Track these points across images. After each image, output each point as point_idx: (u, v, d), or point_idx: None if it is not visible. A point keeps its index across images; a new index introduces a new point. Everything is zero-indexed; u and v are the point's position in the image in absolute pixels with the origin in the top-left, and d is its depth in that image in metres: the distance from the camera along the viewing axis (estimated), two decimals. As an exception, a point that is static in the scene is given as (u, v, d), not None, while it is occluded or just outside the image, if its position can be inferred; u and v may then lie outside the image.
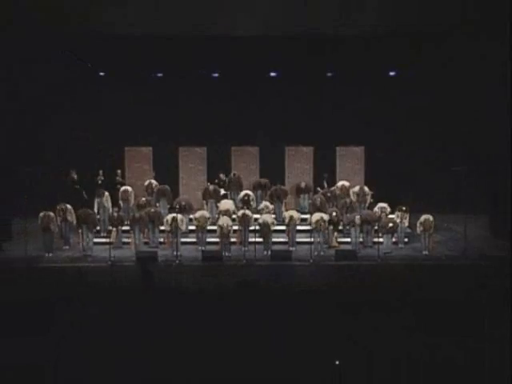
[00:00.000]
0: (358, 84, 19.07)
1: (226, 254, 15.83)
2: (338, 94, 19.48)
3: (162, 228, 16.52)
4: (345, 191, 17.81)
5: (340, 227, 16.80)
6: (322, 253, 16.14)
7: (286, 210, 16.95)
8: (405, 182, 18.18)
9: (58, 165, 18.35)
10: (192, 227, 16.82)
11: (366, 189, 17.79)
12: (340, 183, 18.12)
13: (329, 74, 19.67)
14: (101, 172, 18.26)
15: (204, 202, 17.50)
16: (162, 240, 16.69)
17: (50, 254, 15.99)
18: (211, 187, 17.88)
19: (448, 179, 17.27)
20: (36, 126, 18.64)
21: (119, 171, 18.45)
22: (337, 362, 9.36)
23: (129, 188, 17.95)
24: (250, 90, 19.48)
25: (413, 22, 16.33)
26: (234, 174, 18.16)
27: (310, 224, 16.28)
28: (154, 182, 18.15)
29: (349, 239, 16.69)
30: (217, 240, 16.34)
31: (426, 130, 19.07)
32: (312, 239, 15.97)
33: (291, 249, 16.24)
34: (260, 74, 19.23)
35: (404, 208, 16.83)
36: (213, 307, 11.38)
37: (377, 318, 10.94)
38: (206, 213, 16.62)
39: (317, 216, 16.17)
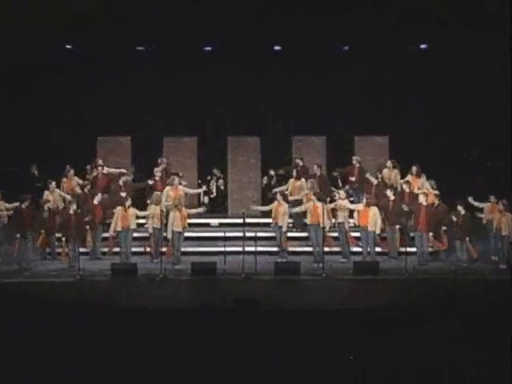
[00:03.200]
0: (379, 59, 19.42)
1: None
2: (354, 72, 19.58)
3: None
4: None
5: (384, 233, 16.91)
6: (338, 264, 16.30)
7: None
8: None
9: (21, 160, 18.57)
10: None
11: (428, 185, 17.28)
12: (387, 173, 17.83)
13: (345, 48, 19.67)
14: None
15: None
16: (148, 249, 16.82)
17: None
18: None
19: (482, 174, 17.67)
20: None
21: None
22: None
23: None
24: (249, 68, 19.75)
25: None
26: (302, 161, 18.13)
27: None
28: (129, 178, 18.05)
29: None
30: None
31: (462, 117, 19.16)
32: (316, 248, 16.35)
33: (343, 260, 16.48)
34: (262, 49, 19.43)
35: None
36: (202, 332, 11.21)
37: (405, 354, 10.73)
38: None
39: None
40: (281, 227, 16.69)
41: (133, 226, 16.48)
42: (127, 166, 18.45)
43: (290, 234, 17.05)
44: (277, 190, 17.57)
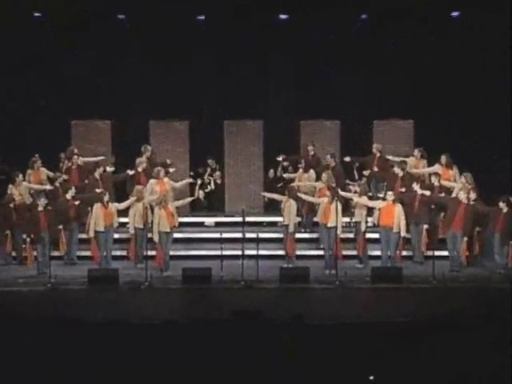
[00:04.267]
0: (402, 29, 19.27)
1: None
2: (373, 45, 19.54)
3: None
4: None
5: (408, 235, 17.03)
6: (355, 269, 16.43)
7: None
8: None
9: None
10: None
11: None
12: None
13: (363, 16, 19.60)
14: None
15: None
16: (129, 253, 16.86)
17: None
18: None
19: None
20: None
21: None
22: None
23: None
24: (251, 40, 19.58)
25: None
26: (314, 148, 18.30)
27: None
28: (109, 169, 18.04)
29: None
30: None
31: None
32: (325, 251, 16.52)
33: (359, 266, 16.65)
34: (266, 18, 19.33)
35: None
36: (194, 350, 11.20)
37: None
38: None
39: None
40: (287, 227, 16.76)
41: (116, 225, 16.61)
42: (107, 155, 18.49)
43: (297, 235, 17.09)
44: (286, 175, 17.72)
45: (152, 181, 17.17)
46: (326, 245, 16.54)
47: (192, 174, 18.96)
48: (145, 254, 16.05)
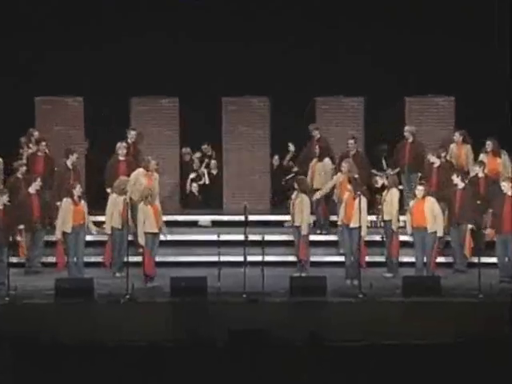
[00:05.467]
0: None
1: None
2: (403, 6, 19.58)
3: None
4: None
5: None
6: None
7: None
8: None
9: None
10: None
11: None
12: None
13: None
14: None
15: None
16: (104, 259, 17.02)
17: None
18: None
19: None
20: None
21: None
22: None
23: None
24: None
25: None
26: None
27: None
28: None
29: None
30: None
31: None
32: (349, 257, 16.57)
33: (387, 275, 16.81)
34: None
35: None
36: (185, 377, 11.33)
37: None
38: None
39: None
40: (299, 228, 16.77)
41: (92, 226, 16.68)
42: (79, 140, 18.58)
43: (312, 238, 17.12)
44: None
45: (140, 170, 17.26)
46: (348, 249, 16.51)
47: (197, 156, 19.13)
48: (125, 259, 16.11)
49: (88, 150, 18.63)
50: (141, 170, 17.26)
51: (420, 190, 16.54)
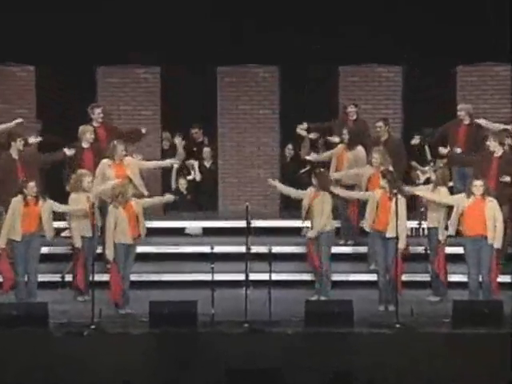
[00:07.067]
0: None
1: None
2: None
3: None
4: None
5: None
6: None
7: None
8: None
9: None
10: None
11: None
12: None
13: None
14: None
15: None
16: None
17: None
18: None
19: None
20: None
21: None
22: None
23: None
24: None
25: None
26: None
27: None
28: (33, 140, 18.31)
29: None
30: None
31: None
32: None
33: (433, 299, 17.15)
34: None
35: None
36: None
37: None
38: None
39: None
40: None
41: (49, 232, 16.66)
42: (29, 120, 18.75)
43: (334, 250, 17.18)
44: (314, 157, 18.07)
45: (104, 161, 17.32)
46: (382, 264, 16.61)
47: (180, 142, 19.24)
48: (91, 278, 16.23)
49: (42, 133, 18.77)
50: (106, 160, 17.31)
51: (478, 185, 16.49)
